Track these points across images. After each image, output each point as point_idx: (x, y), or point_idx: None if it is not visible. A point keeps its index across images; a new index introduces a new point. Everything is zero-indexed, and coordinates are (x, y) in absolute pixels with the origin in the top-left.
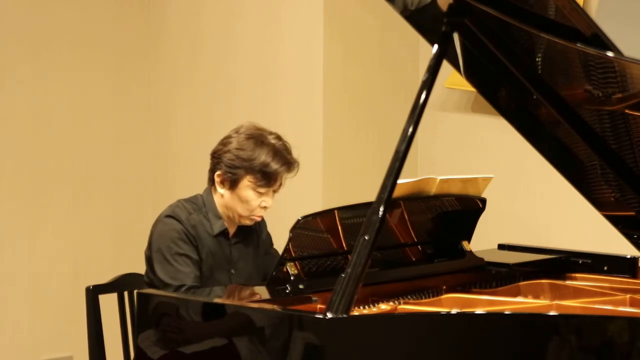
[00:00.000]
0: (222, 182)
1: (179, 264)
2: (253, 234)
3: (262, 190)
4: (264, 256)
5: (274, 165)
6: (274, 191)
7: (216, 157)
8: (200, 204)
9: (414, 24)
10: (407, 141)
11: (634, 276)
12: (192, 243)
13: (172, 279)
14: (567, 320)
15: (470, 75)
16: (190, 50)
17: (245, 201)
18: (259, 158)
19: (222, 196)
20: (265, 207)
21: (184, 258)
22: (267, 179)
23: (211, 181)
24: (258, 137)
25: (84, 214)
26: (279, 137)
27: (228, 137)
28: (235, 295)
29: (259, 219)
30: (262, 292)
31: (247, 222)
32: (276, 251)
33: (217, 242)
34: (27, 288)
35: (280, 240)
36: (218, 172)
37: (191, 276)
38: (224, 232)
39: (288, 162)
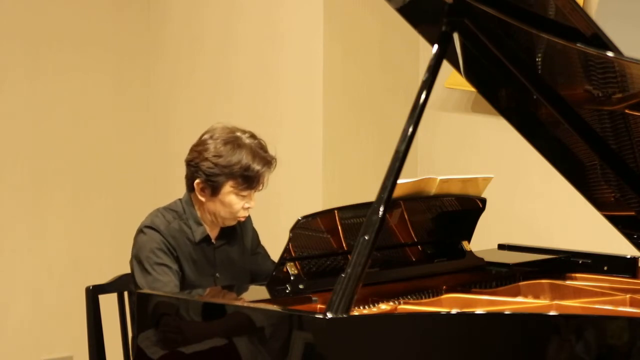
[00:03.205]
0: (202, 190)
1: (157, 273)
2: (237, 235)
3: (244, 193)
4: (251, 256)
5: (255, 167)
6: (256, 191)
7: (193, 166)
8: (180, 211)
9: (413, 24)
10: (407, 141)
11: (634, 276)
12: (172, 253)
13: (150, 288)
14: (567, 320)
15: (470, 75)
16: (190, 50)
17: (228, 206)
18: (239, 162)
19: (203, 203)
20: (248, 208)
21: (163, 267)
22: (249, 182)
23: (189, 188)
24: (234, 140)
25: (84, 214)
26: (253, 136)
27: (202, 142)
28: (229, 296)
29: (243, 219)
30: (262, 292)
31: (231, 223)
32: (264, 248)
33: (199, 248)
34: (27, 288)
35: (280, 240)
36: (197, 181)
37: (170, 285)
38: (205, 238)
39: (267, 161)
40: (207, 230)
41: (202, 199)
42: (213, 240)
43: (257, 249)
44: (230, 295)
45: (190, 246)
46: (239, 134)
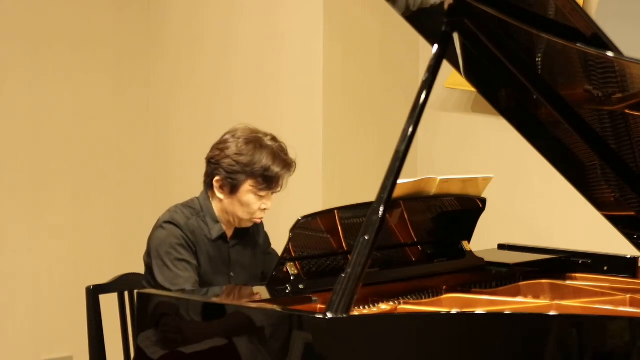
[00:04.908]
0: (221, 187)
1: (178, 269)
2: (251, 235)
3: (262, 193)
4: (263, 256)
5: (275, 169)
6: (273, 193)
7: (214, 163)
8: (198, 208)
9: (414, 24)
10: (407, 141)
11: (634, 276)
12: (191, 249)
13: (172, 284)
14: (567, 320)
15: (470, 75)
16: (190, 50)
17: (246, 205)
18: (260, 162)
19: (220, 201)
20: (265, 210)
21: (184, 263)
22: (269, 183)
23: (208, 185)
24: (256, 140)
25: (84, 214)
26: (274, 139)
27: (224, 141)
28: (234, 295)
29: (259, 221)
30: (262, 292)
31: (247, 224)
32: (274, 250)
33: (215, 246)
34: (27, 288)
35: (280, 240)
36: (217, 178)
37: (191, 281)
38: (222, 236)
39: (287, 163)
40: (224, 228)
41: (221, 196)
42: (228, 239)
43: (269, 249)
44: (229, 295)
45: (208, 243)
46: (261, 135)
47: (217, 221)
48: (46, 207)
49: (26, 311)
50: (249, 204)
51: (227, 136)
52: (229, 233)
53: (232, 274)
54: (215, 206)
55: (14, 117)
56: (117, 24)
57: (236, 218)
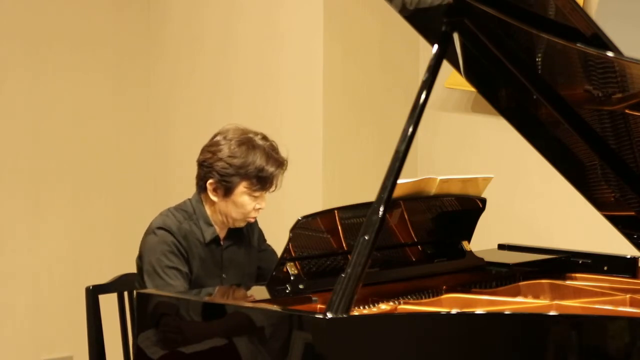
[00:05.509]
0: (215, 190)
1: (168, 276)
2: (244, 235)
3: (257, 194)
4: (258, 253)
5: (270, 169)
6: (267, 192)
7: (206, 166)
8: (191, 211)
9: (413, 23)
10: (407, 141)
11: (634, 276)
12: (183, 255)
13: None
14: (567, 320)
15: (470, 75)
16: (190, 50)
17: (240, 206)
18: (253, 163)
19: (214, 203)
20: (259, 209)
21: (174, 271)
22: (263, 183)
23: (201, 188)
24: (249, 141)
25: (83, 214)
26: (265, 137)
27: (216, 143)
28: (230, 295)
29: (252, 220)
30: (262, 292)
31: (241, 224)
32: (269, 246)
33: (208, 249)
34: (27, 288)
35: (280, 240)
36: (210, 181)
37: (180, 289)
38: (215, 239)
39: (280, 162)
40: (217, 230)
41: (215, 199)
42: (221, 242)
43: (263, 246)
44: (230, 295)
45: (200, 247)
46: (251, 135)
47: (210, 224)
48: (46, 207)
49: (26, 311)
50: (243, 205)
51: (218, 138)
52: (222, 234)
53: (224, 275)
54: (208, 208)
55: (14, 117)
56: (117, 24)
57: (230, 219)
